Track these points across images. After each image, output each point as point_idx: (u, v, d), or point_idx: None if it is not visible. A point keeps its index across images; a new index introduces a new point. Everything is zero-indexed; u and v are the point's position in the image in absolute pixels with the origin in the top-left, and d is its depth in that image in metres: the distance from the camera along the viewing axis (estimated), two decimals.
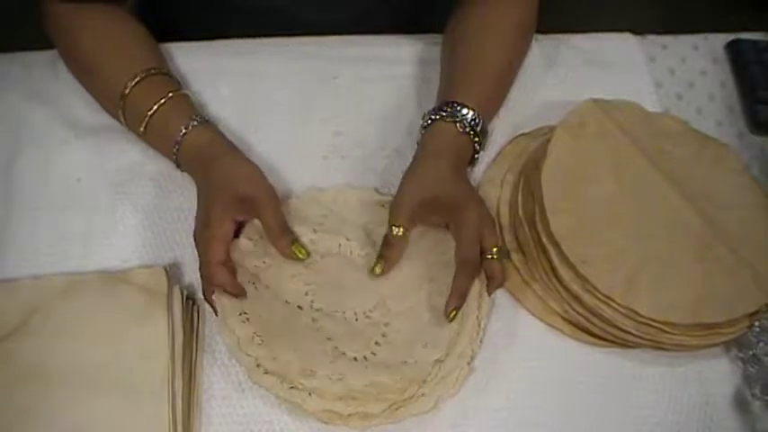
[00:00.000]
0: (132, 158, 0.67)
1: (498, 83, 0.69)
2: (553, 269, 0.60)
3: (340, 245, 0.62)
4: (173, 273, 0.61)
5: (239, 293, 0.57)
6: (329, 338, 0.57)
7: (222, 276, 0.57)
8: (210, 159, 0.61)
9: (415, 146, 0.69)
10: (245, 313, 0.56)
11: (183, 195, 0.65)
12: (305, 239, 0.62)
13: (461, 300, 0.58)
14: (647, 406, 0.60)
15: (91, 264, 0.62)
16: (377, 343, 0.57)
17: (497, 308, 0.63)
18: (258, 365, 0.55)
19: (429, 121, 0.64)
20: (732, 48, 0.79)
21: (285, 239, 0.59)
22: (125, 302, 0.58)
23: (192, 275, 0.62)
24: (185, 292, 0.60)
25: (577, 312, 0.60)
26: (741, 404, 0.60)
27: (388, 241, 0.60)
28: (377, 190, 0.67)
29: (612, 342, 0.60)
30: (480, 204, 0.62)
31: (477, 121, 0.63)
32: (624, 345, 0.60)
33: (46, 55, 0.71)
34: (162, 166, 0.65)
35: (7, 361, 0.55)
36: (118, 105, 0.63)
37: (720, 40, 0.81)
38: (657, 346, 0.59)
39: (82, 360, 0.56)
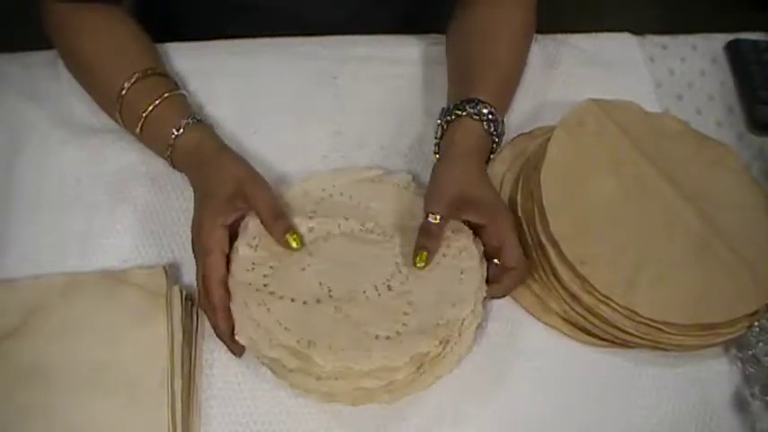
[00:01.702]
0: (132, 158, 0.67)
1: (510, 82, 0.69)
2: (552, 269, 0.60)
3: (339, 225, 0.61)
4: (172, 273, 0.61)
5: (229, 324, 0.56)
6: (359, 325, 0.56)
7: (219, 298, 0.56)
8: (201, 162, 0.61)
9: (415, 144, 0.69)
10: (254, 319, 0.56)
11: (183, 196, 0.65)
12: (303, 228, 0.61)
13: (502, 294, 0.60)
14: (646, 406, 0.60)
15: (91, 264, 0.62)
16: (405, 313, 0.57)
17: (497, 308, 0.63)
18: (283, 366, 0.55)
19: (453, 117, 0.63)
20: (731, 48, 0.80)
21: (279, 226, 0.58)
22: (125, 302, 0.58)
23: (192, 275, 0.62)
24: (185, 292, 0.60)
25: (577, 312, 0.60)
26: (740, 404, 0.60)
27: (425, 231, 0.59)
28: (364, 168, 0.67)
29: (612, 342, 0.60)
30: (509, 212, 0.62)
31: (497, 120, 0.63)
32: (624, 345, 0.60)
33: (46, 55, 0.71)
34: (162, 166, 0.65)
35: (7, 361, 0.56)
36: (115, 106, 0.63)
37: (720, 40, 0.81)
38: (657, 347, 0.59)
39: (82, 360, 0.56)
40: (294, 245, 0.59)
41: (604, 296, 0.58)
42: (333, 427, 0.57)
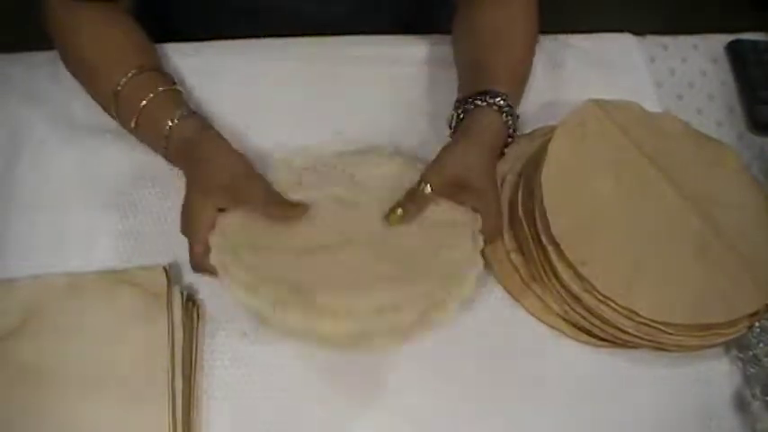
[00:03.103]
0: (133, 158, 0.67)
1: (521, 77, 0.69)
2: (553, 269, 0.60)
3: (327, 194, 0.60)
4: (173, 273, 0.61)
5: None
6: (356, 268, 0.54)
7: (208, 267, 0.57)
8: (195, 150, 0.60)
9: (416, 144, 0.69)
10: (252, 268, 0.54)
11: (183, 196, 0.65)
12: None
13: None
14: (646, 407, 0.60)
15: (91, 264, 0.62)
16: (399, 260, 0.56)
17: (497, 308, 0.63)
18: (275, 301, 0.51)
19: (472, 106, 0.63)
20: (732, 48, 0.80)
21: (278, 206, 0.58)
22: (125, 302, 0.58)
23: (192, 276, 0.62)
24: (185, 292, 0.60)
25: (577, 313, 0.60)
26: (741, 404, 0.60)
27: (411, 194, 0.59)
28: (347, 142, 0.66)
29: (612, 342, 0.60)
30: (499, 212, 0.61)
31: (514, 114, 0.63)
32: (624, 345, 0.60)
33: (47, 55, 0.71)
34: (162, 166, 0.65)
35: (7, 361, 0.55)
36: (111, 103, 0.63)
37: (720, 40, 0.81)
38: (657, 347, 0.59)
39: (82, 360, 0.56)
40: (299, 211, 0.58)
41: (605, 296, 0.58)
42: (333, 427, 0.57)
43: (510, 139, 0.64)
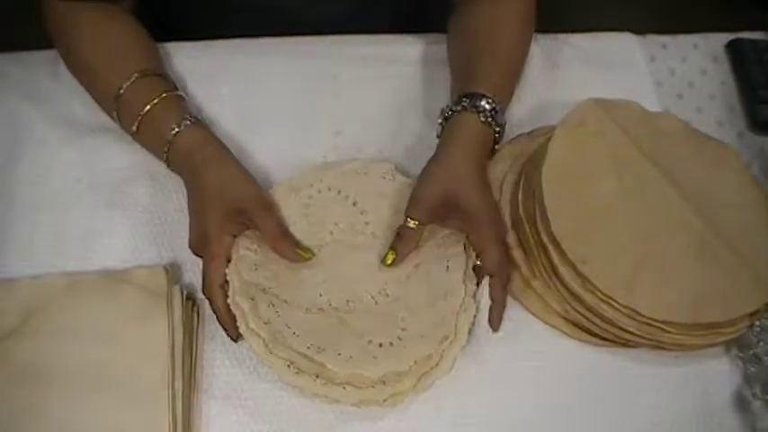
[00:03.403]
0: (132, 158, 0.67)
1: (511, 75, 0.69)
2: (554, 268, 0.60)
3: (332, 232, 0.62)
4: (172, 272, 0.61)
5: (230, 327, 0.58)
6: (361, 334, 0.56)
7: (220, 302, 0.57)
8: (201, 164, 0.61)
9: (415, 144, 0.69)
10: (266, 323, 0.56)
11: (183, 195, 0.65)
12: (297, 236, 0.61)
13: (502, 307, 0.60)
14: (647, 405, 0.60)
15: (91, 264, 0.62)
16: (403, 318, 0.58)
17: None
18: (289, 366, 0.55)
19: (450, 113, 0.63)
20: (732, 47, 0.79)
21: (286, 244, 0.59)
22: (125, 302, 0.58)
23: (192, 275, 0.62)
24: (185, 292, 0.60)
25: (578, 312, 0.60)
26: (741, 404, 0.60)
27: (401, 234, 0.60)
28: (348, 160, 0.67)
29: (613, 342, 0.60)
30: (498, 216, 0.62)
31: (496, 110, 0.63)
32: (625, 344, 0.60)
33: (46, 55, 0.71)
34: (162, 166, 0.65)
35: (6, 361, 0.55)
36: (112, 105, 0.63)
37: (720, 39, 0.81)
38: (658, 346, 0.59)
39: (82, 360, 0.56)
40: (306, 256, 0.60)
41: (606, 296, 0.58)
42: (334, 428, 0.57)
43: (497, 135, 0.64)
